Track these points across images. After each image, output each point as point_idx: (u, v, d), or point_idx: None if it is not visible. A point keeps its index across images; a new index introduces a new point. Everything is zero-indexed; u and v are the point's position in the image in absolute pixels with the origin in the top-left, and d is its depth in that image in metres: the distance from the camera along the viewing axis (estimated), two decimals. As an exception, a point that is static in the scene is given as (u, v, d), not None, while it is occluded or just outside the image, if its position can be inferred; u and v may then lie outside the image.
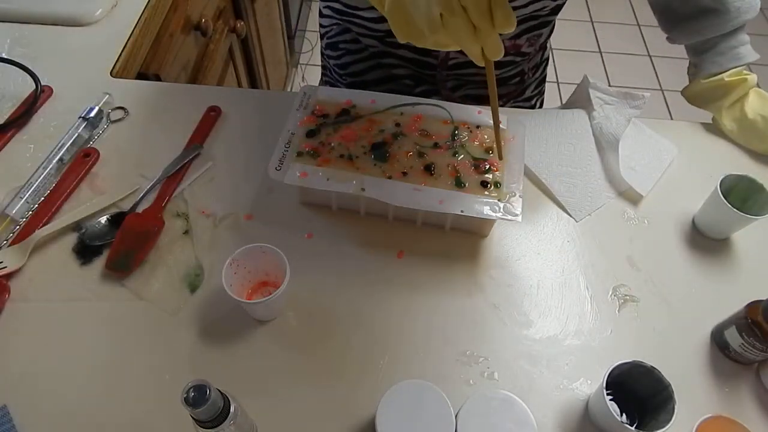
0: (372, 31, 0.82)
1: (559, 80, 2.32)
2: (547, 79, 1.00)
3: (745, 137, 0.79)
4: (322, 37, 0.95)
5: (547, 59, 0.97)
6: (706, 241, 0.71)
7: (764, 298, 0.56)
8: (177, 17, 1.04)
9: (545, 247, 0.69)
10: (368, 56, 0.88)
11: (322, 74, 1.02)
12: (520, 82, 0.92)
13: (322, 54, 0.97)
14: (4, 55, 0.85)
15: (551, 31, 0.87)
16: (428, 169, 0.66)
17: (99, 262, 0.65)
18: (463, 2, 0.46)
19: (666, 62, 2.41)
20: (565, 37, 2.44)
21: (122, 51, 0.87)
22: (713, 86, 0.78)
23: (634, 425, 0.53)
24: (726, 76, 0.77)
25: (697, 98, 0.82)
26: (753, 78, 0.77)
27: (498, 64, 0.86)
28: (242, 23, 1.37)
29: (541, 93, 1.01)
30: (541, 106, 1.02)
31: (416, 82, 0.89)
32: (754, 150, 0.80)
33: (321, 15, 0.92)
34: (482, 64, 0.52)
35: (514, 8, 0.75)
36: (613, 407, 0.55)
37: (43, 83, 0.81)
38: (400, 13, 0.49)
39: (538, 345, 0.62)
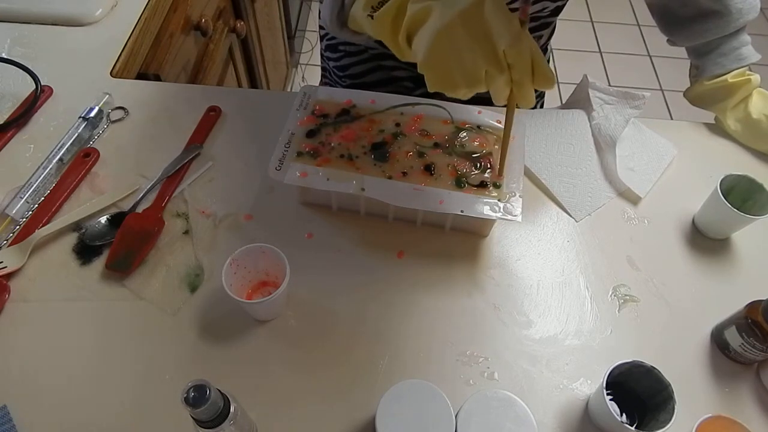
0: None
1: (559, 80, 2.32)
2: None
3: (749, 137, 0.79)
4: (321, 38, 0.95)
5: (548, 61, 0.97)
6: (706, 241, 0.71)
7: (764, 298, 0.56)
8: (177, 17, 1.04)
9: (545, 247, 0.69)
10: (368, 58, 0.88)
11: (322, 76, 1.02)
12: (520, 83, 0.92)
13: (322, 56, 0.97)
14: (4, 55, 0.85)
15: (552, 33, 0.87)
16: (428, 169, 0.66)
17: (99, 262, 0.65)
18: (509, 60, 0.47)
19: (666, 62, 2.41)
20: (565, 37, 2.44)
21: (122, 51, 0.87)
22: (717, 87, 0.78)
23: (634, 425, 0.53)
24: (729, 77, 0.77)
25: (700, 100, 0.82)
26: (756, 78, 0.77)
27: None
28: (242, 23, 1.37)
29: (542, 95, 1.01)
30: (541, 108, 1.02)
31: (416, 84, 0.89)
32: (758, 150, 0.80)
33: (321, 16, 0.92)
34: (503, 104, 0.53)
35: (514, 10, 0.74)
36: (613, 407, 0.55)
37: (43, 83, 0.81)
38: (441, 68, 0.49)
39: (538, 345, 0.62)
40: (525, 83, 0.49)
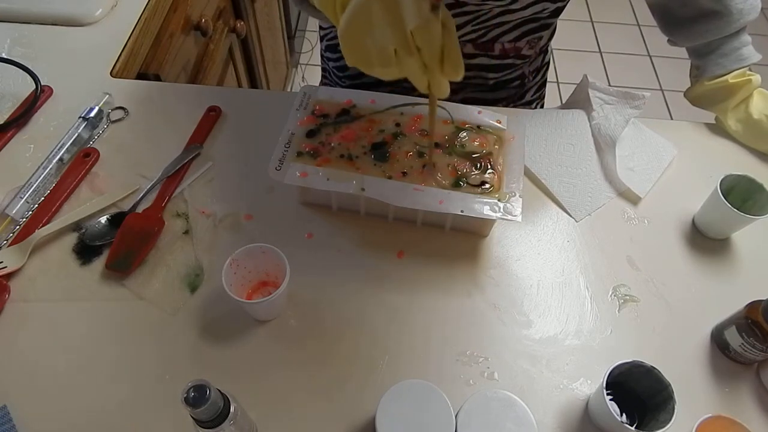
0: None
1: (559, 80, 2.32)
2: (548, 80, 1.00)
3: (750, 137, 0.79)
4: (321, 39, 0.95)
5: (548, 63, 0.96)
6: (706, 241, 0.71)
7: (764, 298, 0.56)
8: (177, 17, 1.04)
9: (545, 247, 0.69)
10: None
11: (322, 76, 1.02)
12: (520, 85, 0.92)
13: (322, 56, 0.97)
14: (4, 55, 0.85)
15: (552, 35, 0.87)
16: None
17: (99, 262, 0.65)
18: (418, 43, 0.47)
19: (666, 62, 2.41)
20: (565, 37, 2.43)
21: (122, 51, 0.87)
22: (717, 88, 0.78)
23: (634, 425, 0.53)
24: (730, 78, 0.77)
25: (700, 100, 0.82)
26: (757, 78, 0.77)
27: (498, 68, 0.86)
28: (242, 23, 1.37)
29: (542, 97, 1.01)
30: (541, 108, 1.02)
31: None
32: (759, 150, 0.80)
33: None
34: (426, 92, 0.52)
35: (515, 10, 0.75)
36: (613, 407, 0.55)
37: (43, 83, 0.81)
38: (353, 40, 0.49)
39: (538, 345, 0.62)
40: (433, 69, 0.49)
